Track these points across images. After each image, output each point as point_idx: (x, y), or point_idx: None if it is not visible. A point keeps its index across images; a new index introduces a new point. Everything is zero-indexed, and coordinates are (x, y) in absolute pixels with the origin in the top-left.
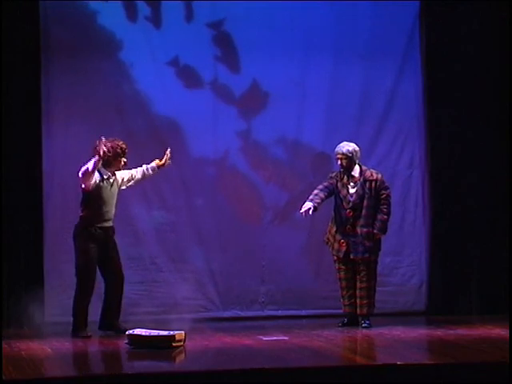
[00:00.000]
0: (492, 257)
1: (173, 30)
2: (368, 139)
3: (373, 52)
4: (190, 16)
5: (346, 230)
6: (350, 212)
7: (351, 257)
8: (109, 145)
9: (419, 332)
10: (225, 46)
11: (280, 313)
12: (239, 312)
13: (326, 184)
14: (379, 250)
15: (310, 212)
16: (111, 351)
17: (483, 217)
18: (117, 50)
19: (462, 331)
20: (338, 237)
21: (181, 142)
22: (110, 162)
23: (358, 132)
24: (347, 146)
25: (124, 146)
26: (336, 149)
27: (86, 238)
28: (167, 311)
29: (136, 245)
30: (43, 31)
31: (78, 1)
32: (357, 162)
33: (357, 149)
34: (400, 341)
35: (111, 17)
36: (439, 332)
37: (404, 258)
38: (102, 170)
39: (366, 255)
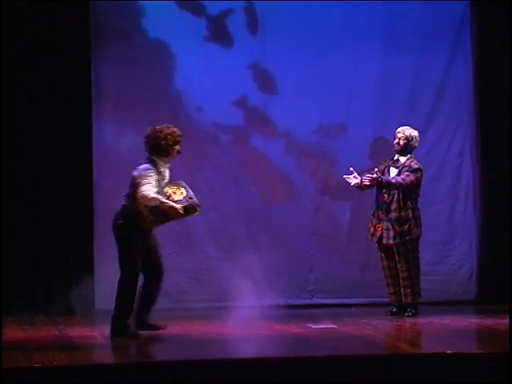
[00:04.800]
0: None
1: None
2: (418, 128)
3: (423, 40)
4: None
5: (380, 215)
6: (385, 196)
7: (384, 242)
8: (165, 131)
9: (469, 321)
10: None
11: (329, 301)
12: (288, 300)
13: (374, 171)
14: (413, 236)
15: (352, 182)
16: (161, 338)
17: None
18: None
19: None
20: (375, 221)
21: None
22: (167, 151)
23: (408, 120)
24: (411, 130)
25: (179, 132)
26: (399, 128)
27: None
28: (216, 299)
29: (186, 233)
30: (94, 18)
31: None
32: (410, 151)
33: (417, 137)
34: (449, 330)
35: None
36: (489, 321)
37: (454, 247)
38: (158, 161)
39: (397, 240)
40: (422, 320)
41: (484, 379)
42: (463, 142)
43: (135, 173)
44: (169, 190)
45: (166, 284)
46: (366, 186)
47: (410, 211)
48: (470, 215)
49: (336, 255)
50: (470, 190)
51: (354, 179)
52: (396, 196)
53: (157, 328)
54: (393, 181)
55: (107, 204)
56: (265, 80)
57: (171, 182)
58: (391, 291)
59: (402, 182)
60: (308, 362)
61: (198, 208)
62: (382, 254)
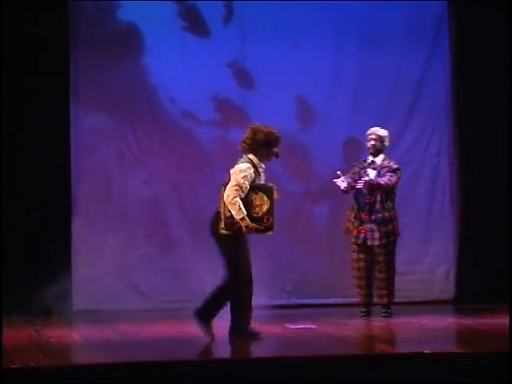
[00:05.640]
0: None
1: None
2: (396, 127)
3: (402, 39)
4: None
5: (363, 217)
6: (367, 198)
7: (368, 243)
8: (265, 131)
9: (447, 321)
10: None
11: (307, 301)
12: (267, 300)
13: (350, 174)
14: (396, 236)
15: (341, 186)
16: (140, 339)
17: (505, 202)
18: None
19: (490, 320)
20: (357, 223)
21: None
22: (266, 152)
23: (386, 119)
24: (381, 130)
25: (279, 134)
26: (369, 131)
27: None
28: (196, 300)
29: (164, 232)
30: (70, 23)
31: None
32: (384, 150)
33: (387, 135)
34: (428, 330)
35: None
36: (468, 321)
37: (432, 246)
38: (257, 162)
39: (383, 241)
40: (400, 320)
41: (462, 379)
42: (441, 142)
43: (232, 170)
44: (254, 198)
45: (145, 285)
46: (353, 188)
47: (392, 211)
48: (448, 214)
49: (314, 256)
50: (447, 189)
51: (342, 183)
52: (379, 197)
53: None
54: (382, 182)
55: (86, 203)
56: (242, 74)
57: (261, 187)
58: (364, 292)
59: (389, 183)
60: (287, 363)
61: (271, 229)
62: (361, 256)
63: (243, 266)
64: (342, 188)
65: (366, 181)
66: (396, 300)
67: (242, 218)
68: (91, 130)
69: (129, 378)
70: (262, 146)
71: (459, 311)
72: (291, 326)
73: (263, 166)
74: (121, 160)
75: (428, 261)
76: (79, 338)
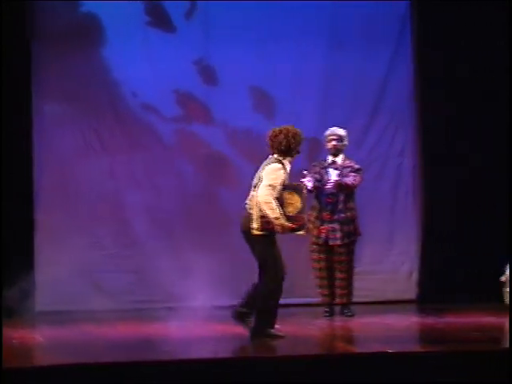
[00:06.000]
0: (482, 245)
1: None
2: (360, 127)
3: (366, 39)
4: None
5: (325, 217)
6: (330, 198)
7: (330, 243)
8: (292, 131)
9: (410, 320)
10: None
11: None
12: (230, 301)
13: (311, 174)
14: (357, 236)
15: (308, 185)
16: (103, 340)
17: (473, 205)
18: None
19: (452, 319)
20: (318, 223)
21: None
22: (293, 151)
23: (350, 119)
24: (340, 130)
25: (302, 133)
26: (328, 131)
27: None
28: (160, 300)
29: (128, 232)
30: (30, 14)
31: None
32: (343, 149)
33: (347, 135)
34: (391, 329)
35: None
36: (430, 320)
37: (395, 246)
38: (285, 162)
39: (345, 241)
40: (363, 319)
41: (425, 379)
42: (404, 141)
43: (263, 171)
44: (287, 197)
45: (109, 285)
46: (316, 188)
47: (353, 211)
48: (411, 214)
49: None
50: (410, 188)
51: (308, 182)
52: (342, 197)
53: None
54: (349, 183)
55: (48, 201)
56: (205, 70)
57: (292, 186)
58: (326, 292)
59: (355, 183)
60: (249, 363)
61: (303, 228)
62: (322, 256)
63: (278, 265)
64: (308, 188)
65: (335, 181)
66: (359, 299)
67: (277, 217)
68: (53, 122)
69: (92, 379)
70: (291, 147)
71: (422, 311)
72: None
73: (289, 165)
74: (82, 154)
75: (391, 260)
76: (42, 339)
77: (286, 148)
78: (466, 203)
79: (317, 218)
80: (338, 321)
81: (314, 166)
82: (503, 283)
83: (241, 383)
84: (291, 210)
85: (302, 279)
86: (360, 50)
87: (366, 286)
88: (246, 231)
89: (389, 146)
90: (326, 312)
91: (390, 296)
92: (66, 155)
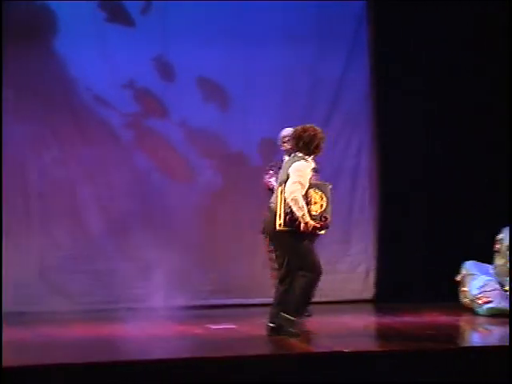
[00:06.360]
0: (438, 244)
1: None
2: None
3: (323, 40)
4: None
5: None
6: None
7: None
8: (317, 130)
9: (367, 320)
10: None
11: (228, 301)
12: (188, 301)
13: (270, 175)
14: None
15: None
16: (62, 341)
17: (429, 204)
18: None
19: (409, 318)
20: None
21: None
22: (318, 149)
23: (307, 119)
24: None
25: (322, 132)
26: (285, 132)
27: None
28: (114, 301)
29: (84, 232)
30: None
31: None
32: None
33: None
34: (348, 328)
35: None
36: (387, 319)
37: (352, 246)
38: (310, 160)
39: None
40: (321, 319)
41: (382, 378)
42: (360, 141)
43: (290, 169)
44: (312, 195)
45: (68, 286)
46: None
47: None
48: (368, 214)
49: (235, 255)
50: (366, 189)
51: (274, 182)
52: None
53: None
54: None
55: (16, 200)
56: (162, 66)
57: (317, 185)
58: None
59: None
60: (208, 363)
61: (327, 228)
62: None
63: (313, 257)
64: (271, 187)
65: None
66: (316, 299)
67: (303, 215)
68: (6, 116)
69: (50, 380)
70: (312, 145)
71: (379, 310)
72: (212, 327)
73: (313, 164)
74: (37, 151)
75: (348, 260)
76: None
77: (306, 146)
78: (422, 203)
79: None
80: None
81: (271, 166)
82: (459, 282)
83: (198, 383)
84: (316, 209)
85: (259, 279)
86: (316, 49)
87: (323, 285)
88: (271, 229)
89: (345, 146)
90: None
91: (348, 296)
92: (19, 151)
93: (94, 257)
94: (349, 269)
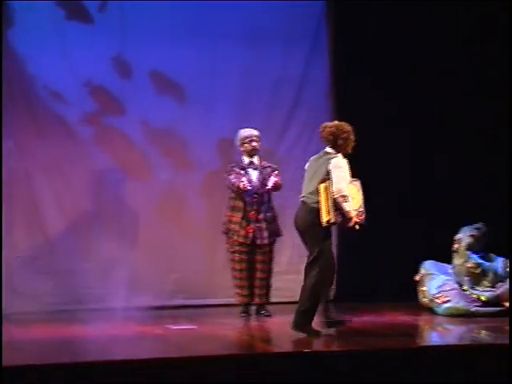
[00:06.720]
0: (398, 244)
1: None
2: (278, 127)
3: (282, 41)
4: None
5: (251, 216)
6: (255, 198)
7: (258, 242)
8: (348, 128)
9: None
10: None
11: (188, 302)
12: (149, 301)
13: (234, 175)
14: (279, 236)
15: (247, 185)
16: (21, 342)
17: (388, 204)
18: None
19: (368, 318)
20: (244, 223)
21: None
22: (350, 147)
23: (268, 120)
24: (256, 131)
25: (352, 131)
26: (246, 133)
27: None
28: (74, 302)
29: (44, 233)
30: None
31: None
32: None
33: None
34: None
35: None
36: (346, 319)
37: None
38: (341, 156)
39: (271, 240)
40: (281, 319)
41: (342, 378)
42: (321, 142)
43: (330, 166)
44: (349, 191)
45: (27, 287)
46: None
47: (275, 211)
48: None
49: (195, 256)
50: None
51: (247, 181)
52: (266, 196)
53: (342, 323)
54: (280, 182)
55: None
56: (120, 64)
57: (354, 181)
58: (246, 293)
59: (281, 183)
60: (169, 363)
61: (362, 224)
62: (244, 257)
63: (332, 257)
64: (248, 187)
65: (276, 181)
66: (277, 300)
67: (351, 210)
68: None
69: (8, 382)
70: (340, 143)
71: (339, 310)
72: (172, 327)
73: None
74: None
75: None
76: None
77: (334, 143)
78: (381, 202)
79: (243, 218)
80: (256, 321)
81: (232, 167)
82: (418, 282)
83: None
84: (354, 204)
85: (220, 280)
86: (278, 48)
87: (284, 286)
88: (303, 224)
89: (306, 147)
90: (243, 312)
91: None
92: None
93: (54, 257)
94: None
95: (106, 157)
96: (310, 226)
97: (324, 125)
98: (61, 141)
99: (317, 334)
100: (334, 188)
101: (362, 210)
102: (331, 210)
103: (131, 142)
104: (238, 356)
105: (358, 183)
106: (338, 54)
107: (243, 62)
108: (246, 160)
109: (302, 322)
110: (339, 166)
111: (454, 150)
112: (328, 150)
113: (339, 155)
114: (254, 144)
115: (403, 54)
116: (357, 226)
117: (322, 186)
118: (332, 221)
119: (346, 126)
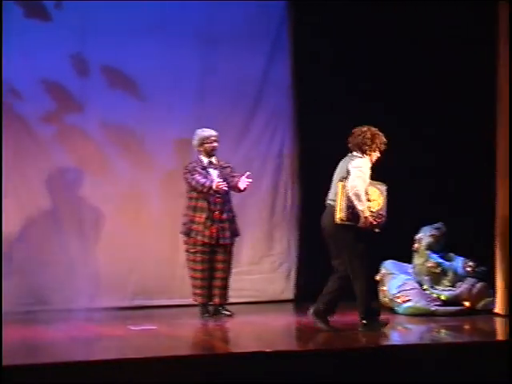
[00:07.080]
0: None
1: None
2: (240, 126)
3: (243, 41)
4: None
5: (215, 216)
6: (218, 198)
7: (220, 242)
8: (375, 131)
9: (288, 319)
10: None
11: (149, 302)
12: (109, 302)
13: (197, 174)
14: (237, 236)
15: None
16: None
17: None
18: None
19: (329, 318)
20: (209, 223)
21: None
22: (368, 152)
23: (229, 119)
24: (214, 131)
25: (380, 136)
26: (206, 133)
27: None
28: (35, 303)
29: (5, 233)
30: None
31: None
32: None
33: None
34: (269, 329)
35: None
36: (307, 320)
37: (274, 246)
38: (367, 160)
39: (232, 240)
40: (242, 319)
41: (303, 378)
42: (283, 141)
43: (350, 166)
44: (370, 193)
45: None
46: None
47: (234, 211)
48: (289, 214)
49: (156, 257)
50: (289, 188)
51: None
52: (227, 196)
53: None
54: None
55: None
56: (80, 63)
57: (376, 183)
58: (206, 293)
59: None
60: (127, 364)
61: (381, 227)
62: (206, 256)
63: (357, 261)
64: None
65: (250, 182)
66: (238, 300)
67: (364, 210)
68: None
69: None
70: (366, 147)
71: (299, 310)
72: (133, 328)
73: (370, 164)
74: None
75: (270, 260)
76: None
77: (359, 147)
78: None
79: (207, 218)
80: (216, 321)
81: (194, 167)
82: (378, 282)
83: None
84: (374, 206)
85: (180, 280)
86: (238, 49)
87: (244, 286)
88: (329, 226)
89: (268, 146)
90: (204, 312)
91: (269, 296)
92: None
93: (16, 258)
94: (271, 269)
95: (64, 155)
96: (330, 225)
97: (353, 131)
98: (19, 138)
99: (385, 323)
100: (349, 185)
101: (381, 213)
102: (344, 208)
103: (90, 141)
104: (196, 356)
105: (382, 187)
106: (299, 54)
107: (203, 61)
108: (205, 160)
109: (370, 322)
110: (358, 166)
111: (423, 149)
112: (355, 153)
113: (364, 157)
114: (215, 144)
115: (364, 54)
116: (376, 229)
117: (341, 184)
118: (344, 219)
119: (370, 131)
